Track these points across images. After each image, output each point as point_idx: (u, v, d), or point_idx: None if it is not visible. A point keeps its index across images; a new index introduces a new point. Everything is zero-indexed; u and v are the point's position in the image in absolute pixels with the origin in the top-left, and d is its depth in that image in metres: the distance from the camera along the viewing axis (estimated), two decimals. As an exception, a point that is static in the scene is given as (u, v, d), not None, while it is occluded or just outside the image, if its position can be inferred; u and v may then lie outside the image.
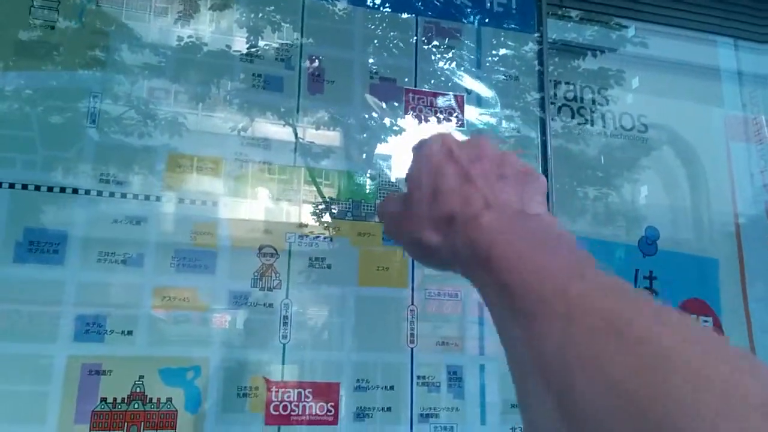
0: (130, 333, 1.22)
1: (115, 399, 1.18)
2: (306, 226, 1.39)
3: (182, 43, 1.38)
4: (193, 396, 1.24)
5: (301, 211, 1.39)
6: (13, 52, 1.26)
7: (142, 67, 1.34)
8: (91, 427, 1.16)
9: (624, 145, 1.80)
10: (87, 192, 1.25)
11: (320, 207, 1.41)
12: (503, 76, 1.62)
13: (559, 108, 1.73)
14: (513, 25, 1.66)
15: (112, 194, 1.26)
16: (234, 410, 1.25)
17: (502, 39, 1.65)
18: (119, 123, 1.30)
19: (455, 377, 1.41)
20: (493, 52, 1.63)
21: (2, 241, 1.18)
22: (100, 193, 1.26)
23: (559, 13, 1.82)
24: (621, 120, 1.82)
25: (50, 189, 1.23)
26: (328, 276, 1.38)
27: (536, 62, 1.65)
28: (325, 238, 1.40)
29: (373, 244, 1.43)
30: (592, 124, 1.80)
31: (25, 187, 1.21)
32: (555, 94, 1.75)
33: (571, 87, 1.80)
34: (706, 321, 1.65)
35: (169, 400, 1.22)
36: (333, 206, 1.41)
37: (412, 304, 1.42)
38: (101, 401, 1.18)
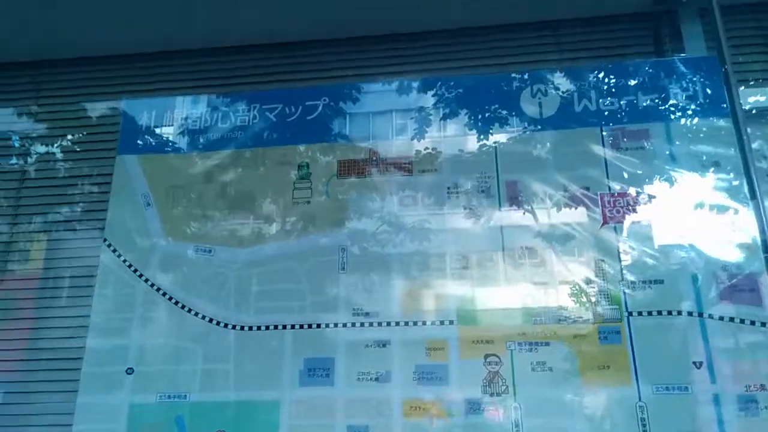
0: (388, 440, 1.48)
1: (381, 497, 1.43)
2: (523, 334, 1.54)
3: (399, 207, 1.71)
4: (445, 495, 1.43)
5: (517, 321, 1.56)
6: (281, 225, 1.70)
7: (379, 218, 1.68)
8: None
9: None
10: (344, 325, 1.59)
11: (533, 315, 1.56)
12: (701, 165, 1.64)
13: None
14: (704, 113, 1.69)
15: (362, 324, 1.58)
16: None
17: (695, 129, 1.68)
18: (364, 266, 1.63)
19: (699, 474, 1.39)
20: (687, 143, 1.67)
21: (290, 370, 1.56)
22: (353, 324, 1.58)
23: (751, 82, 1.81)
24: None
25: (318, 326, 1.59)
26: (551, 378, 1.50)
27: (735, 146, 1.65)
28: (542, 343, 1.53)
29: (590, 344, 1.52)
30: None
31: (301, 326, 1.59)
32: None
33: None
34: None
35: (425, 498, 1.42)
36: (544, 313, 1.55)
37: (640, 400, 1.46)
38: (371, 499, 1.43)
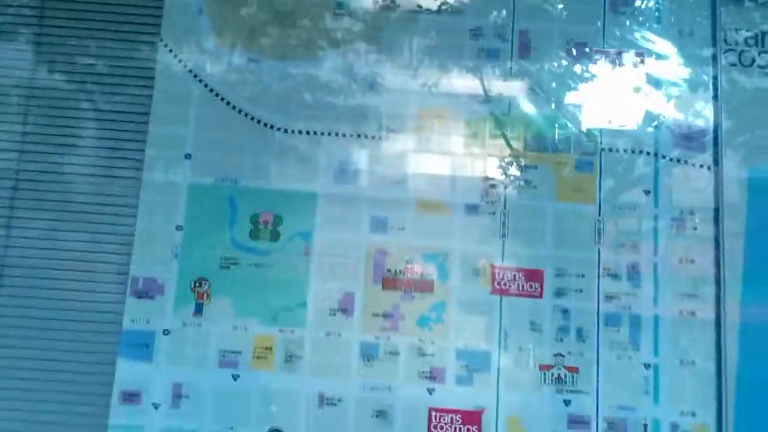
0: (402, 229, 1.85)
1: (395, 270, 1.83)
2: (517, 157, 1.90)
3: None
4: (444, 272, 1.84)
5: (512, 145, 1.91)
6: (322, 42, 1.93)
7: (408, 45, 1.93)
8: (382, 286, 1.82)
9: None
10: (372, 137, 1.89)
11: (527, 141, 1.91)
12: (679, 33, 1.96)
13: (740, 53, 2.01)
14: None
15: (386, 138, 1.89)
16: (470, 284, 1.84)
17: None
18: (392, 83, 1.91)
19: (634, 271, 1.86)
20: (672, 9, 1.98)
21: (325, 169, 1.87)
22: (380, 138, 1.89)
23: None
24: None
25: (351, 135, 1.89)
26: (535, 193, 1.89)
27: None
28: (531, 166, 1.90)
29: (568, 171, 1.90)
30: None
31: (336, 134, 1.89)
32: (735, 41, 2.02)
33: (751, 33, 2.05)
34: None
35: (429, 274, 1.84)
36: (539, 141, 1.91)
37: (599, 215, 1.88)
38: (387, 271, 1.83)
